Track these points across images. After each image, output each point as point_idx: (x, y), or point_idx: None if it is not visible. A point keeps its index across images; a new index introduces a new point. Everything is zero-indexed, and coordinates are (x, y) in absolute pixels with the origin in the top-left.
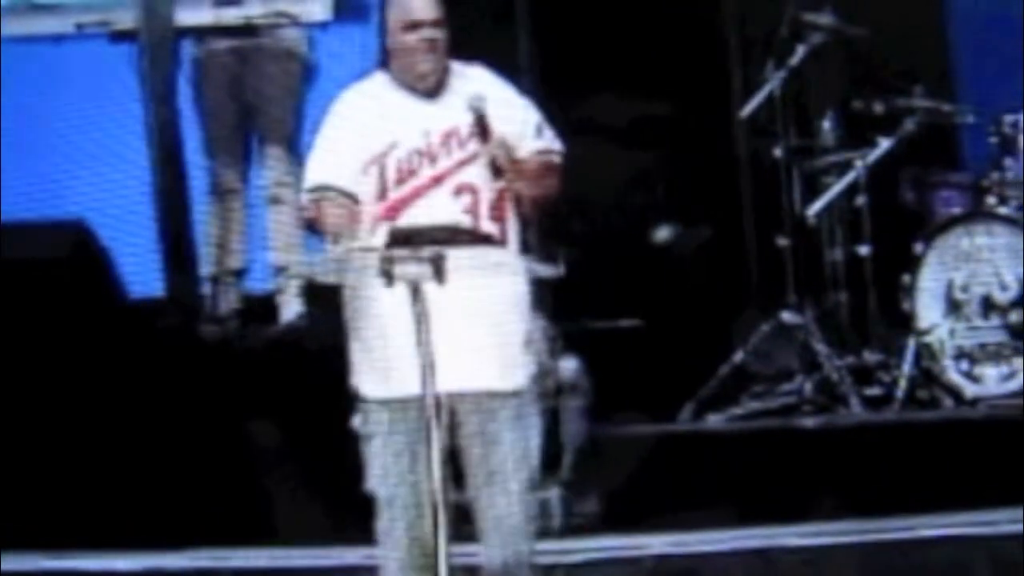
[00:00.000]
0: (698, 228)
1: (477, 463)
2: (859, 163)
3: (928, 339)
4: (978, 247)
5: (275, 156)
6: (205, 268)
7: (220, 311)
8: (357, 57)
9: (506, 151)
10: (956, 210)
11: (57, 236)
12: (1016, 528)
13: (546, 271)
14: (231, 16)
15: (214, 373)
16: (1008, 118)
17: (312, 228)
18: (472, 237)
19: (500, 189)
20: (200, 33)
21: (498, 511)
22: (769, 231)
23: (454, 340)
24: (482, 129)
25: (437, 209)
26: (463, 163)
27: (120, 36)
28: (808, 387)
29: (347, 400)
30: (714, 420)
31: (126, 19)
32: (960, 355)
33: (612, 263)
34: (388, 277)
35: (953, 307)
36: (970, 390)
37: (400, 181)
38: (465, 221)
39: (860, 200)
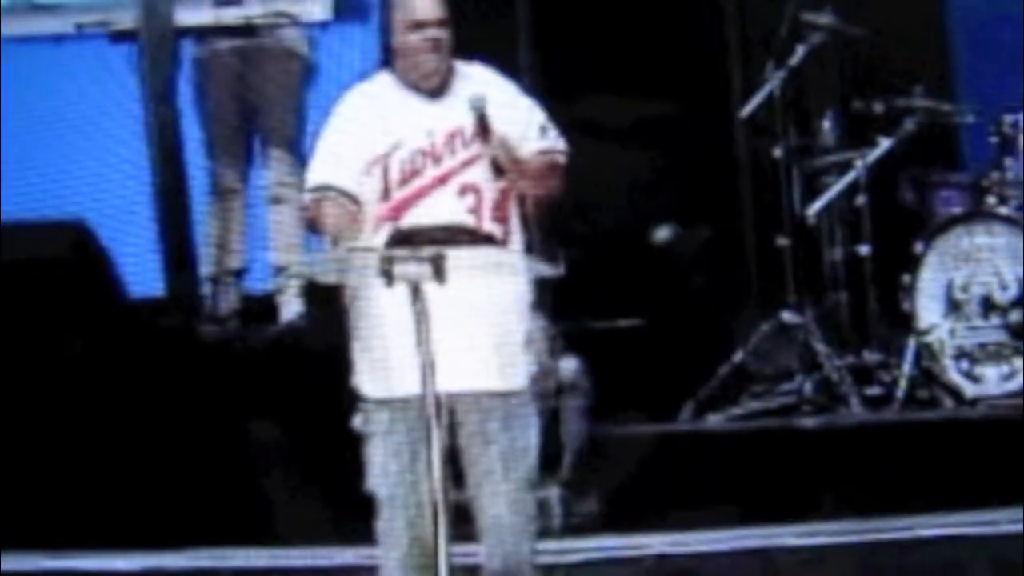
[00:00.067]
0: (698, 228)
1: (477, 463)
2: (859, 163)
3: (928, 339)
4: (978, 247)
5: (276, 156)
6: (205, 268)
7: (220, 311)
8: (357, 57)
9: (507, 151)
10: (956, 210)
11: (57, 236)
12: (1016, 528)
13: (547, 271)
14: (231, 16)
15: (214, 373)
16: (1008, 118)
17: (313, 228)
18: (472, 237)
19: (503, 189)
20: (200, 33)
21: (498, 511)
22: (769, 231)
23: (454, 340)
24: (483, 129)
25: (441, 209)
26: (467, 163)
27: (120, 36)
28: (808, 387)
29: (347, 400)
30: (714, 420)
31: (126, 19)
32: (960, 355)
33: (612, 263)
34: (388, 277)
35: (953, 307)
36: (970, 390)
37: (404, 181)
38: (469, 221)
39: (860, 200)
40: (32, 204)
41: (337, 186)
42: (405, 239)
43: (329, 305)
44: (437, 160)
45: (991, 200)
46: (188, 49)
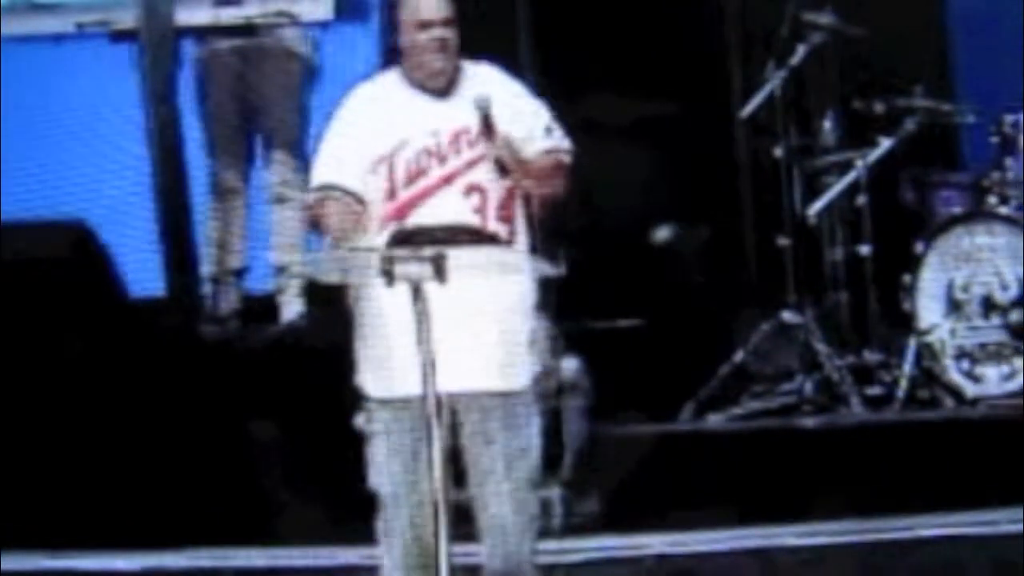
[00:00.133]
0: (698, 228)
1: (479, 463)
2: (859, 163)
3: (929, 339)
4: (979, 247)
5: (277, 156)
6: (206, 268)
7: (220, 311)
8: (358, 56)
9: (511, 151)
10: (957, 210)
11: (57, 235)
12: (1016, 528)
13: (548, 270)
14: (231, 16)
15: (214, 373)
16: (1008, 118)
17: (316, 228)
18: (474, 236)
19: (508, 189)
20: (200, 33)
21: (499, 510)
22: (769, 231)
23: (457, 340)
24: (488, 129)
25: (446, 209)
26: (472, 163)
27: (120, 36)
28: (808, 387)
29: (347, 400)
30: (714, 420)
31: (126, 19)
32: (961, 355)
33: (613, 263)
34: (389, 277)
35: (954, 307)
36: (971, 390)
37: (409, 181)
38: (474, 221)
39: (861, 200)
40: (32, 204)
41: (341, 185)
42: (408, 239)
43: (330, 305)
44: (443, 160)
45: (992, 200)
46: (188, 49)
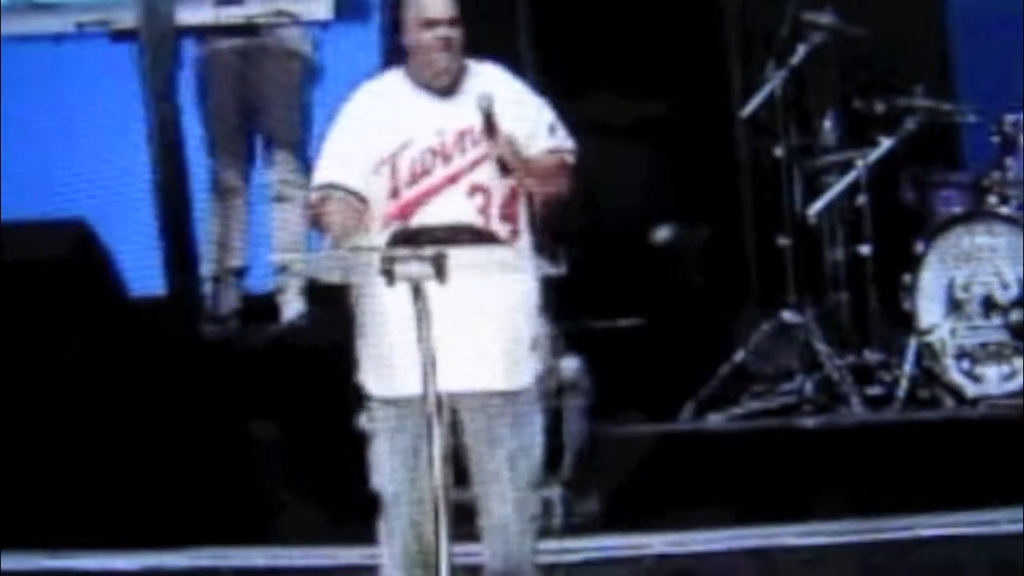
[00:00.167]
0: (698, 227)
1: (481, 462)
2: (860, 162)
3: (929, 338)
4: (979, 246)
5: (278, 155)
6: (206, 267)
7: (221, 310)
8: (358, 56)
9: (513, 150)
10: (957, 209)
11: (57, 235)
12: (1016, 528)
13: (548, 270)
14: (232, 15)
15: (214, 372)
16: (1009, 117)
17: (318, 227)
18: (476, 236)
19: (512, 188)
20: (201, 32)
21: (502, 510)
22: (770, 230)
23: (460, 339)
24: (490, 128)
25: (450, 209)
26: (476, 163)
27: (121, 35)
28: (809, 387)
29: (347, 399)
30: (714, 420)
31: (126, 18)
32: (961, 355)
33: (613, 262)
34: (389, 276)
35: (954, 306)
36: (971, 390)
37: (413, 181)
38: (478, 221)
39: (861, 199)
40: (33, 203)
41: (344, 185)
42: (409, 238)
43: (330, 305)
44: (447, 159)
45: (992, 200)
46: (189, 48)
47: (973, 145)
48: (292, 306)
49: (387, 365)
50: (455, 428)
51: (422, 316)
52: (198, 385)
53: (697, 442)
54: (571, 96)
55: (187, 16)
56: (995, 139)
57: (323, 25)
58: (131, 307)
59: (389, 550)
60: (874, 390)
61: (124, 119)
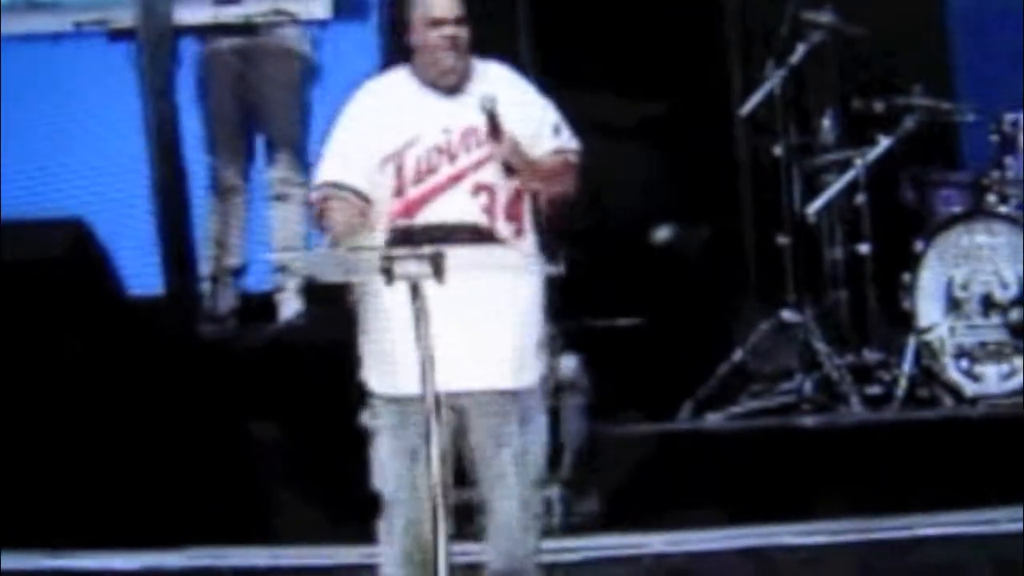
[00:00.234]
0: (698, 226)
1: (486, 461)
2: (859, 161)
3: (928, 338)
4: (978, 245)
5: (278, 154)
6: (204, 266)
7: (219, 309)
8: (357, 55)
9: (517, 151)
10: (956, 209)
11: (55, 234)
12: (1016, 527)
13: (547, 269)
14: (230, 14)
15: (213, 372)
16: (1008, 116)
17: (320, 226)
18: (476, 235)
19: (516, 188)
20: (199, 31)
21: (507, 509)
22: (769, 229)
23: (464, 338)
24: (494, 128)
25: (454, 208)
26: (481, 162)
27: (119, 34)
28: (808, 386)
29: (346, 399)
30: (713, 419)
31: (125, 17)
32: (960, 354)
33: (612, 261)
34: (388, 275)
35: (953, 306)
36: (970, 389)
37: (418, 179)
38: (482, 220)
39: (860, 198)
40: (31, 202)
41: (346, 184)
42: (408, 237)
43: (329, 304)
44: (453, 158)
45: (991, 199)
46: (189, 47)
47: (972, 144)
48: (290, 305)
49: (389, 363)
50: (459, 428)
51: (421, 315)
52: (196, 384)
53: (696, 441)
54: (570, 95)
55: (185, 15)
56: (994, 138)
57: (321, 24)
58: (129, 306)
59: (388, 550)
60: (873, 389)
61: (122, 118)
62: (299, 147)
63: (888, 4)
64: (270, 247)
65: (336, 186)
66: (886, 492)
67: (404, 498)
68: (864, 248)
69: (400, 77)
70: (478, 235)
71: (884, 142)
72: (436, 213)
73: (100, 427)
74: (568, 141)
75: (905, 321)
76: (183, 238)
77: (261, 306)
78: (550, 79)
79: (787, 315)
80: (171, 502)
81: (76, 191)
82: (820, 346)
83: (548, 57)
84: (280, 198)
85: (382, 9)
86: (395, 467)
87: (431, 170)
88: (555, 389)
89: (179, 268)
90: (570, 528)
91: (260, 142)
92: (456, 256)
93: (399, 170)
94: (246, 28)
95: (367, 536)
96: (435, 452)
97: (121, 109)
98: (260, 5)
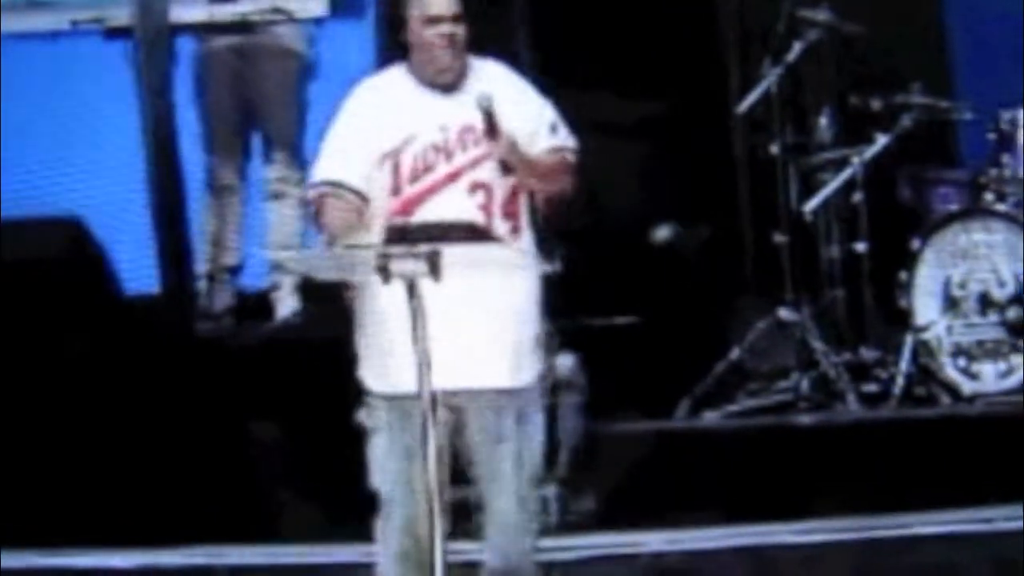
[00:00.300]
0: (694, 225)
1: (486, 460)
2: (856, 160)
3: (925, 336)
4: (975, 244)
5: (275, 152)
6: (200, 265)
7: (215, 308)
8: (353, 53)
9: (514, 149)
10: (953, 207)
11: (52, 232)
12: (1014, 526)
13: (543, 267)
14: (227, 12)
15: (209, 370)
16: (1006, 114)
17: (318, 224)
18: (473, 233)
19: (513, 186)
20: (196, 30)
21: (505, 508)
22: (766, 228)
23: (461, 337)
24: (490, 128)
25: (451, 206)
26: (478, 160)
27: (115, 33)
28: (805, 384)
29: (342, 397)
30: (710, 417)
31: (121, 16)
32: (957, 352)
33: (608, 259)
34: (384, 274)
35: (950, 304)
36: (967, 387)
37: (415, 177)
38: (479, 219)
39: (857, 197)
40: (27, 201)
41: (344, 182)
42: (405, 235)
43: (324, 302)
44: (450, 156)
45: (989, 197)
46: (186, 46)
47: (970, 142)
48: (286, 304)
49: (386, 362)
50: (456, 427)
51: (417, 313)
52: (192, 383)
53: (693, 440)
54: (567, 94)
55: (182, 13)
56: (992, 136)
57: (318, 22)
58: (125, 305)
59: (385, 548)
60: (870, 387)
61: (118, 117)
62: (296, 145)
63: (885, 2)
64: (267, 245)
65: (333, 184)
66: (883, 490)
67: (401, 496)
68: (861, 246)
69: (397, 75)
70: (475, 233)
71: (881, 140)
72: (433, 211)
73: (97, 425)
74: (565, 139)
75: (902, 319)
76: (179, 236)
77: (257, 304)
78: (547, 77)
79: (784, 313)
80: (168, 500)
81: (72, 189)
82: (817, 344)
83: (545, 55)
84: (277, 196)
85: (379, 7)
86: (392, 465)
87: (428, 168)
88: (552, 387)
89: (175, 266)
90: (567, 526)
91: (257, 140)
92: (453, 254)
93: (396, 168)
94: (243, 26)
95: (364, 534)
96: (432, 450)
97: (118, 107)
98: (257, 3)
